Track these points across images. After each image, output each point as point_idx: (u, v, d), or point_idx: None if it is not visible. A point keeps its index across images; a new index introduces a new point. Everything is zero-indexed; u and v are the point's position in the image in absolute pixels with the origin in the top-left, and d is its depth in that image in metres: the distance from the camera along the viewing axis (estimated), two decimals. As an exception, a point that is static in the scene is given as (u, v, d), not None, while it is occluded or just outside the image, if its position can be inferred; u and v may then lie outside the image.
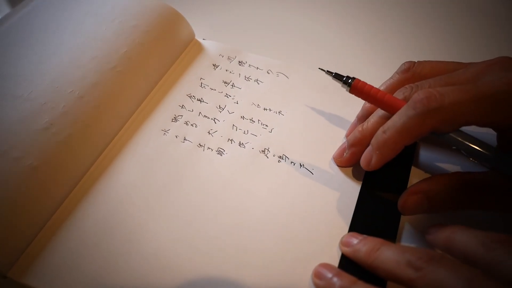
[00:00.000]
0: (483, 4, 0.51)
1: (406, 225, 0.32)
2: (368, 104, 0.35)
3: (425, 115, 0.27)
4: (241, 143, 0.36)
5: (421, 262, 0.24)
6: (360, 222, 0.31)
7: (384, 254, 0.26)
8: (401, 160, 0.35)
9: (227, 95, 0.40)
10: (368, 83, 0.33)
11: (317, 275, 0.28)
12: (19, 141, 0.31)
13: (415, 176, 0.34)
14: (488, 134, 0.31)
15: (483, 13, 0.50)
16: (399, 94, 0.31)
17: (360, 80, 0.33)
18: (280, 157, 0.36)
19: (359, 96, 0.33)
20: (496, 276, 0.22)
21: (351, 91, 0.33)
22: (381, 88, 0.34)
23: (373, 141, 0.31)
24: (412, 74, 0.33)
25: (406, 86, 0.32)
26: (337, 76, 0.34)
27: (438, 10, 0.52)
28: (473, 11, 0.51)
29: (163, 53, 0.41)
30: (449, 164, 0.35)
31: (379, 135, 0.30)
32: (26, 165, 0.30)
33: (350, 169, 0.34)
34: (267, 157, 0.35)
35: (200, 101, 0.40)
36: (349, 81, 0.33)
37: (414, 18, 0.50)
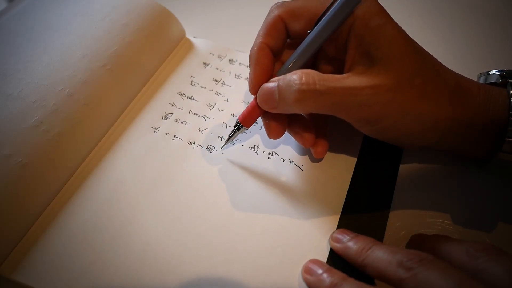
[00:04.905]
0: (484, 3, 0.52)
1: (394, 224, 0.32)
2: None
3: None
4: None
5: (411, 262, 0.24)
6: (349, 219, 0.32)
7: (375, 253, 0.27)
8: (389, 157, 0.35)
9: (217, 93, 0.41)
10: None
11: (307, 271, 0.29)
12: (9, 139, 0.31)
13: (402, 172, 0.35)
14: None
15: (484, 12, 0.51)
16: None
17: (240, 117, 0.33)
18: (269, 153, 0.36)
19: (251, 121, 0.33)
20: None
21: (246, 126, 0.33)
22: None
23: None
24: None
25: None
26: (232, 134, 0.34)
27: (439, 9, 0.52)
28: (474, 10, 0.51)
29: (153, 51, 0.41)
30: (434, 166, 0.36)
31: None
32: (16, 163, 0.30)
33: (339, 167, 0.35)
34: (257, 154, 0.36)
35: (191, 99, 0.40)
36: (238, 124, 0.33)
37: (414, 17, 0.50)
